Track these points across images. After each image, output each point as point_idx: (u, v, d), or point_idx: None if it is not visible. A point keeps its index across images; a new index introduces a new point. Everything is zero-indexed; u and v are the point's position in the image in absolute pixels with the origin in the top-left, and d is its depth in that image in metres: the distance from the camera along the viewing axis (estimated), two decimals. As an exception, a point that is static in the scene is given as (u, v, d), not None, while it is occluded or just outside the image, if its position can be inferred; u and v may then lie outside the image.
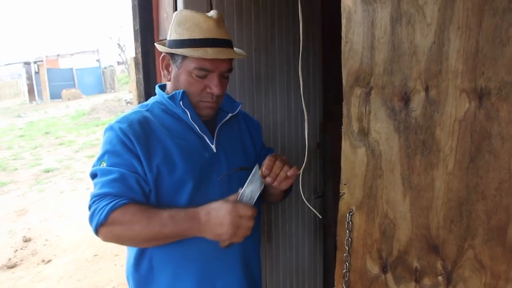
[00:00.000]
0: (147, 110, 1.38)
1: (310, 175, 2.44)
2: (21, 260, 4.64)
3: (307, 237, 2.49)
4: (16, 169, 8.74)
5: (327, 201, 2.58)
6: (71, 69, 27.32)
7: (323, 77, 2.51)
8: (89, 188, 6.90)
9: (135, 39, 1.95)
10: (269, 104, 2.18)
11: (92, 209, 1.23)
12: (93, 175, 1.30)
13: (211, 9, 1.93)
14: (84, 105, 20.25)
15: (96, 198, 1.23)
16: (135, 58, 1.98)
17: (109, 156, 1.27)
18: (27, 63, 28.43)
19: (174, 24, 1.36)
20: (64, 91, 25.49)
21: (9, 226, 5.59)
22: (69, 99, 24.74)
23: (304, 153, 1.38)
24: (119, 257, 4.34)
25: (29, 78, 28.08)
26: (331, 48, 1.93)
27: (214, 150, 1.38)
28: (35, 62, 28.09)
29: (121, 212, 1.19)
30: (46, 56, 27.67)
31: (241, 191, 1.26)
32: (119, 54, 40.36)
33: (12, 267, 4.49)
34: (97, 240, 4.10)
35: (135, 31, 1.93)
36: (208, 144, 1.38)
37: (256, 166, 1.30)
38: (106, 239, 1.25)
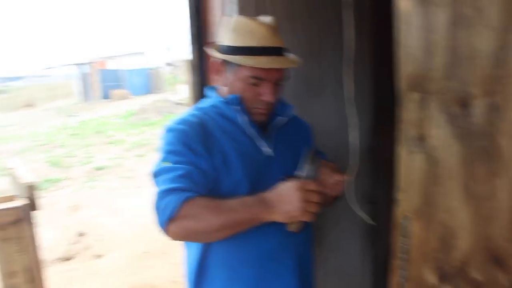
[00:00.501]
0: (203, 113, 1.41)
1: (361, 179, 2.42)
2: (75, 254, 4.82)
3: (355, 243, 2.47)
4: (70, 166, 9.08)
5: (378, 207, 2.55)
6: (121, 70, 28.05)
7: (374, 80, 2.48)
8: (139, 186, 7.10)
9: (192, 43, 2.00)
10: (319, 107, 2.18)
11: (159, 205, 1.23)
12: (156, 174, 1.31)
13: (263, 14, 1.95)
14: (133, 105, 20.76)
15: (163, 194, 1.23)
16: (192, 61, 2.03)
17: (172, 156, 1.29)
18: (80, 65, 29.41)
19: (227, 29, 1.38)
20: (113, 91, 26.23)
21: (64, 220, 5.81)
22: (118, 99, 25.43)
23: (354, 157, 1.38)
24: (167, 255, 4.44)
25: (81, 79, 29.06)
26: (383, 51, 1.92)
27: (269, 153, 1.40)
28: (87, 64, 29.03)
29: (191, 205, 1.20)
30: (98, 58, 28.56)
31: (298, 173, 1.28)
32: (167, 56, 41.20)
33: (67, 259, 4.68)
34: (147, 237, 4.21)
35: (192, 35, 1.98)
36: (263, 147, 1.39)
37: (309, 150, 1.32)
38: (176, 234, 1.25)
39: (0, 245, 1.57)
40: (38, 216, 1.69)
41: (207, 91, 1.51)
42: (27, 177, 1.70)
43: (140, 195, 6.62)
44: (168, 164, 1.29)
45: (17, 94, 39.95)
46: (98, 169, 8.59)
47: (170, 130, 1.36)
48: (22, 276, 1.61)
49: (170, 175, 1.26)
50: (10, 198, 1.61)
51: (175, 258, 4.30)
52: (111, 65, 28.21)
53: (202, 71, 1.97)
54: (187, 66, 2.05)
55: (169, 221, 1.20)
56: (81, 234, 5.35)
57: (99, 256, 4.73)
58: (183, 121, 1.37)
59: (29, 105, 33.14)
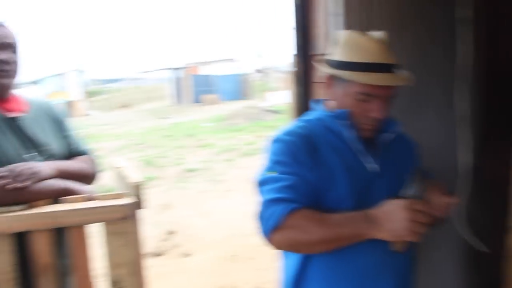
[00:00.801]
0: (310, 125, 1.42)
1: (465, 201, 2.31)
2: (165, 250, 5.02)
3: (456, 268, 2.35)
4: (162, 166, 9.49)
5: (484, 232, 2.40)
6: (212, 75, 28.86)
7: (484, 98, 2.36)
8: (228, 190, 7.27)
9: (297, 55, 2.02)
10: (422, 123, 2.10)
11: (264, 214, 1.26)
12: (261, 183, 1.34)
13: (369, 26, 1.92)
14: (222, 110, 21.27)
15: (269, 203, 1.26)
16: (296, 73, 2.06)
17: (279, 166, 1.32)
18: (173, 69, 30.66)
19: (337, 44, 1.38)
20: (204, 96, 27.06)
21: (156, 217, 6.08)
22: (208, 103, 26.19)
23: (464, 179, 1.32)
24: (254, 260, 4.49)
25: (174, 83, 30.29)
26: (495, 67, 1.83)
27: (375, 170, 1.38)
28: (180, 69, 30.20)
29: (296, 216, 1.22)
30: (191, 63, 29.58)
31: (404, 192, 1.26)
32: (257, 62, 41.83)
33: (157, 255, 4.88)
34: (235, 240, 4.28)
35: (297, 46, 2.00)
36: (369, 163, 1.37)
37: (417, 169, 1.29)
38: (279, 244, 1.28)
39: (108, 238, 1.66)
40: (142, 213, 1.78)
41: (313, 104, 1.52)
42: (134, 177, 1.79)
43: (228, 199, 6.78)
44: (274, 174, 1.31)
45: (115, 95, 42.49)
46: (189, 171, 8.89)
47: (277, 140, 1.39)
48: (125, 268, 1.69)
49: (276, 185, 1.28)
50: (119, 196, 1.70)
51: (262, 264, 4.34)
52: (203, 71, 29.11)
53: (307, 83, 1.98)
54: (291, 77, 2.08)
55: (274, 230, 1.23)
56: (171, 232, 5.56)
57: (187, 255, 4.88)
58: (291, 132, 1.38)
59: (125, 106, 35.08)
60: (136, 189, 1.69)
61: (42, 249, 1.59)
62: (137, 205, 1.69)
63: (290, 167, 1.31)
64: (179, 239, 5.33)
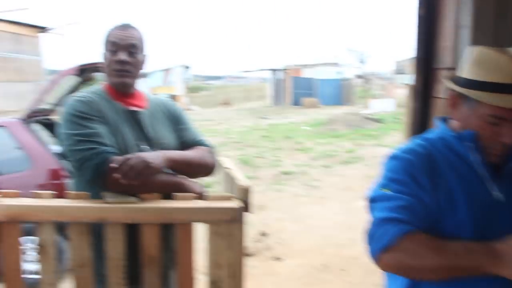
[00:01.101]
0: (430, 144, 1.34)
1: None
2: (256, 252, 5.05)
3: None
4: (259, 166, 9.60)
5: None
6: (313, 79, 28.82)
7: None
8: (323, 197, 7.18)
9: (416, 68, 1.93)
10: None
11: (374, 232, 1.21)
12: (374, 200, 1.30)
13: (502, 39, 1.78)
14: (321, 114, 21.13)
15: (380, 222, 1.21)
16: (414, 87, 1.96)
17: (395, 184, 1.26)
18: (274, 70, 31.02)
19: (469, 61, 1.28)
20: (304, 99, 27.10)
21: (250, 217, 6.14)
22: (307, 107, 26.20)
23: None
24: (346, 272, 4.37)
25: (275, 84, 30.64)
26: None
27: (500, 198, 1.25)
28: (281, 70, 30.49)
29: (409, 239, 1.16)
30: (292, 65, 29.75)
31: None
32: (359, 68, 41.09)
33: (248, 255, 4.93)
34: (327, 249, 4.19)
35: (417, 60, 1.91)
36: (494, 191, 1.26)
37: None
38: (387, 266, 1.22)
39: (212, 238, 1.69)
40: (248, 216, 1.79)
41: (437, 121, 1.43)
42: (243, 180, 1.81)
43: (323, 206, 6.69)
44: (388, 192, 1.25)
45: (216, 92, 43.89)
46: (285, 173, 8.89)
47: (395, 157, 1.33)
48: (226, 270, 1.71)
49: (390, 203, 1.22)
50: (228, 198, 1.72)
51: (354, 277, 4.22)
52: (304, 73, 29.14)
53: (425, 98, 1.88)
54: (409, 91, 1.98)
55: (384, 251, 1.17)
56: (263, 234, 5.59)
57: (278, 259, 4.86)
58: (410, 151, 1.32)
59: (226, 103, 36.11)
60: (245, 192, 1.71)
61: (150, 241, 1.65)
62: (244, 208, 1.71)
63: (406, 186, 1.24)
64: (270, 241, 5.33)
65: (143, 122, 1.91)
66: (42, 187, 4.56)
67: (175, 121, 2.04)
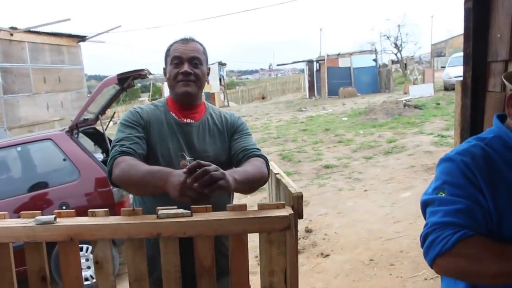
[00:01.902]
0: (487, 144, 1.30)
1: None
2: (303, 249, 5.04)
3: None
4: (300, 161, 9.55)
5: None
6: (349, 67, 28.46)
7: None
8: (366, 190, 7.08)
9: (466, 63, 1.86)
10: None
11: (432, 237, 1.19)
12: (429, 203, 1.27)
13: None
14: (360, 103, 20.87)
15: (438, 227, 1.18)
16: (463, 82, 1.89)
17: (450, 187, 1.23)
18: (310, 61, 30.78)
19: None
20: (341, 89, 26.80)
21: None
22: (345, 96, 25.91)
23: None
24: (394, 267, 4.30)
25: (311, 75, 30.41)
26: None
27: None
28: (317, 61, 30.21)
29: (468, 244, 1.13)
30: (327, 55, 29.44)
31: None
32: (395, 54, 40.34)
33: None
34: (374, 244, 4.13)
35: (466, 54, 1.84)
36: None
37: None
38: (445, 271, 1.20)
39: (265, 245, 1.68)
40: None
41: (495, 120, 1.38)
42: (294, 187, 1.80)
43: (367, 199, 6.59)
44: (444, 195, 1.23)
45: (252, 86, 44.02)
46: (326, 167, 8.82)
47: (449, 160, 1.29)
48: (279, 277, 1.71)
49: (447, 207, 1.20)
50: (279, 206, 1.71)
51: (403, 272, 4.15)
52: (340, 63, 28.80)
53: (476, 94, 1.81)
54: (457, 86, 1.91)
55: (441, 256, 1.15)
56: (308, 231, 5.57)
57: (324, 256, 4.84)
58: (465, 152, 1.28)
59: (262, 97, 36.17)
60: (297, 200, 1.70)
61: (204, 253, 1.66)
62: (297, 216, 1.69)
63: (464, 190, 1.21)
64: (316, 238, 5.31)
65: (190, 134, 1.97)
66: (90, 195, 4.69)
67: (231, 132, 2.06)
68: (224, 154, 2.02)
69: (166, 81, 2.04)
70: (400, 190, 6.75)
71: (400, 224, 5.33)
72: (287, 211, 1.66)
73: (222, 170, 1.56)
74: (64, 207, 4.48)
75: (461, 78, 1.87)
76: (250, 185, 1.80)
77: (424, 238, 1.22)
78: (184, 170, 1.52)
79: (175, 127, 1.97)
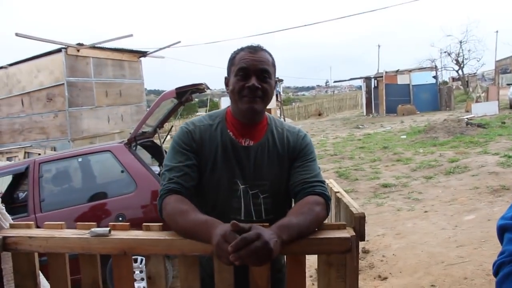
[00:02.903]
0: None
1: None
2: (360, 270, 4.84)
3: None
4: (357, 179, 9.32)
5: None
6: (408, 85, 27.83)
7: None
8: (427, 210, 6.78)
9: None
10: None
11: (508, 269, 1.07)
12: (506, 229, 1.15)
13: None
14: (419, 121, 20.28)
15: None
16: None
17: None
18: (367, 78, 30.39)
19: None
20: (399, 106, 26.21)
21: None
22: (403, 114, 25.32)
23: None
24: (458, 295, 4.06)
25: (368, 92, 30.00)
26: None
27: None
28: (375, 78, 29.78)
29: None
30: (385, 72, 28.94)
31: None
32: (457, 71, 39.06)
33: (353, 275, 4.74)
34: (434, 268, 3.90)
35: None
36: None
37: None
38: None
39: (324, 268, 1.60)
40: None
41: None
42: (356, 207, 1.70)
43: (427, 220, 6.29)
44: None
45: (308, 103, 43.93)
46: (384, 186, 8.55)
47: None
48: (339, 301, 1.61)
49: None
50: (340, 227, 1.62)
51: (468, 301, 3.90)
52: (399, 80, 28.21)
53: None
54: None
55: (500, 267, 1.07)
56: (365, 251, 5.37)
57: (382, 278, 4.64)
58: None
59: (318, 114, 35.98)
60: (359, 221, 1.60)
61: (259, 272, 1.59)
62: (359, 238, 1.60)
63: None
64: (374, 259, 5.11)
65: (247, 159, 1.79)
66: (146, 208, 4.74)
67: (294, 157, 1.83)
68: (282, 183, 1.82)
69: (227, 92, 1.81)
70: (463, 212, 6.41)
71: (464, 248, 5.03)
72: (348, 233, 1.56)
73: (269, 238, 1.33)
74: (120, 218, 4.55)
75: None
76: (301, 237, 1.52)
77: (497, 267, 1.10)
78: (226, 234, 1.35)
79: (230, 150, 1.79)
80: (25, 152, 11.99)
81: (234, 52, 1.80)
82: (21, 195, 6.28)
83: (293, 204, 1.78)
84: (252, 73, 1.71)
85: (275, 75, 1.83)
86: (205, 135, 1.80)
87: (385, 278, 4.63)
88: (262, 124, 1.86)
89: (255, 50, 1.76)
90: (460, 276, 4.37)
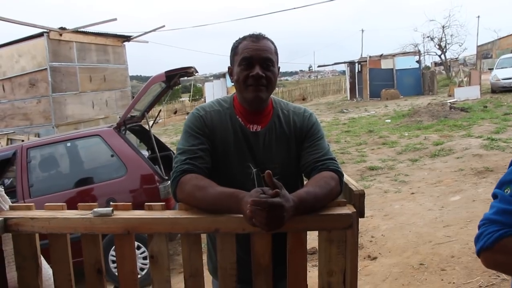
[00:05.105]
0: None
1: None
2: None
3: None
4: (343, 162, 9.40)
5: None
6: (392, 69, 27.95)
7: None
8: (413, 192, 6.88)
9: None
10: None
11: (480, 230, 1.24)
12: (494, 196, 1.29)
13: None
14: (402, 106, 20.44)
15: (486, 222, 1.23)
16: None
17: None
18: (351, 63, 30.43)
19: None
20: (383, 90, 26.37)
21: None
22: (387, 98, 25.50)
23: None
24: (446, 273, 4.12)
25: (352, 76, 30.05)
26: None
27: None
28: (359, 62, 29.83)
29: (508, 242, 1.16)
30: (369, 56, 29.01)
31: None
32: (439, 56, 39.33)
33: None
34: (422, 247, 3.96)
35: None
36: None
37: None
38: (488, 265, 1.25)
39: (324, 245, 1.62)
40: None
41: None
42: (355, 184, 1.72)
43: (414, 202, 6.39)
44: (509, 192, 1.23)
45: (292, 88, 43.89)
46: (371, 169, 8.64)
47: None
48: (338, 277, 1.64)
49: (503, 206, 1.22)
50: (340, 203, 1.65)
51: (455, 279, 3.97)
52: (383, 64, 28.31)
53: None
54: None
55: (484, 250, 1.21)
56: (354, 233, 5.44)
57: (372, 258, 4.72)
58: None
59: (302, 99, 36.02)
60: (359, 198, 1.63)
61: (261, 250, 1.61)
62: (359, 214, 1.62)
63: None
64: (363, 240, 5.18)
65: (256, 143, 1.81)
66: (136, 192, 4.73)
67: (302, 137, 1.85)
68: (293, 163, 1.84)
69: (232, 82, 1.83)
70: (449, 193, 6.52)
71: (450, 228, 5.13)
72: (349, 209, 1.59)
73: (284, 200, 1.41)
74: (110, 203, 4.53)
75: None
76: (314, 207, 1.57)
77: (478, 229, 1.27)
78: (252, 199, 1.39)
79: (240, 135, 1.81)
80: (7, 139, 11.83)
81: (236, 41, 1.81)
82: (6, 181, 6.21)
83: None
84: (255, 62, 1.72)
85: (278, 63, 1.83)
86: (217, 121, 1.82)
87: (375, 258, 4.72)
88: (268, 109, 1.87)
89: (257, 38, 1.77)
90: (448, 254, 4.46)
